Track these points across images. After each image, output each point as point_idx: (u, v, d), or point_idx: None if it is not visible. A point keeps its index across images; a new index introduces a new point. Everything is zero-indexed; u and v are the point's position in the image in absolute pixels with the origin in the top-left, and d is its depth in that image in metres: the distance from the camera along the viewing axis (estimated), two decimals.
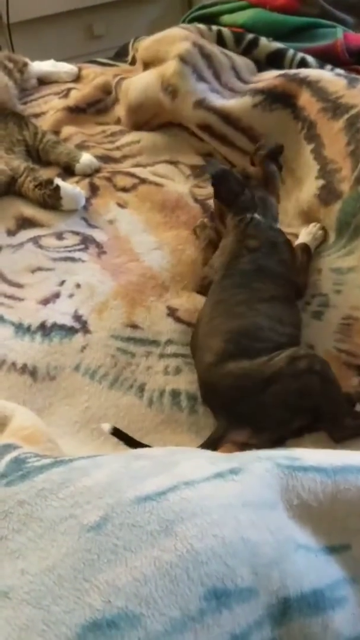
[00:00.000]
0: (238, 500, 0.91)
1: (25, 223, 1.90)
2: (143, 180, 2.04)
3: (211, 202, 1.83)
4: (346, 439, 1.32)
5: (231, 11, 2.42)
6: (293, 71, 2.05)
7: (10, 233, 1.87)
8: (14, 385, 1.47)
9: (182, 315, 1.59)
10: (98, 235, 1.86)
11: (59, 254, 1.78)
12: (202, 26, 2.29)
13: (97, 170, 2.09)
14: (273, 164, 1.72)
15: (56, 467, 0.98)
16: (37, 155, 2.12)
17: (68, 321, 1.58)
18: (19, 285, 1.70)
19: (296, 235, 1.74)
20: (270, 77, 2.07)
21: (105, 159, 2.15)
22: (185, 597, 0.79)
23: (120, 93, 2.33)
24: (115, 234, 1.86)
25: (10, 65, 2.38)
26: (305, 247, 1.67)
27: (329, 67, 2.14)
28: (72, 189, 1.92)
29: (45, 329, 1.56)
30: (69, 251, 1.79)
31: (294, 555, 0.89)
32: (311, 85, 1.94)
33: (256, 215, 1.61)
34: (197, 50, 2.12)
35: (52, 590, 0.80)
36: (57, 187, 1.90)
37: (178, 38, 2.18)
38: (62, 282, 1.69)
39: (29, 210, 1.93)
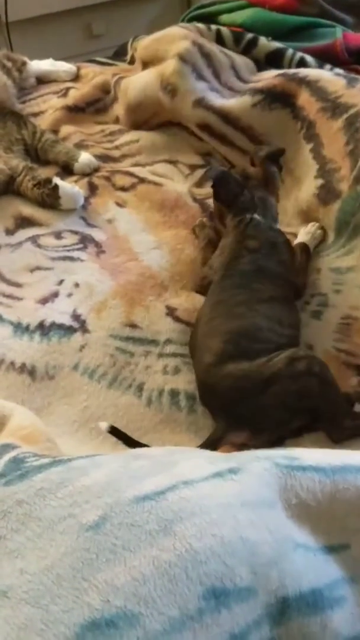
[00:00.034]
0: (237, 500, 0.91)
1: (24, 222, 1.90)
2: (142, 180, 2.04)
3: (210, 201, 1.83)
4: (345, 439, 1.32)
5: (230, 10, 2.42)
6: (292, 71, 2.05)
7: (9, 232, 1.87)
8: (12, 385, 1.47)
9: (181, 315, 1.59)
10: (97, 234, 1.85)
11: (58, 253, 1.78)
12: (201, 25, 2.29)
13: (96, 170, 2.09)
14: (273, 164, 1.71)
15: (55, 466, 0.98)
16: (35, 154, 2.12)
17: (67, 320, 1.58)
18: (18, 285, 1.70)
19: (295, 235, 1.74)
20: (269, 76, 2.07)
21: (104, 158, 2.15)
22: (184, 596, 0.79)
23: (119, 92, 2.32)
24: (114, 233, 1.86)
25: (9, 64, 2.38)
26: (304, 246, 1.67)
27: (328, 66, 2.14)
28: (70, 188, 1.92)
29: (44, 329, 1.56)
30: (68, 250, 1.79)
31: (292, 555, 0.89)
32: (310, 84, 1.94)
33: (256, 216, 1.61)
34: (197, 49, 2.12)
35: (51, 590, 0.80)
36: (56, 186, 1.89)
37: (177, 37, 2.18)
38: (61, 282, 1.69)
39: (28, 210, 1.93)
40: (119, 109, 2.32)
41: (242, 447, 1.26)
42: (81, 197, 1.93)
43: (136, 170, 2.08)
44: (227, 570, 0.82)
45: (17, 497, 0.93)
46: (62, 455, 1.08)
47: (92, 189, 2.01)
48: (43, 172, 1.99)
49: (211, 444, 1.28)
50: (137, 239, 1.83)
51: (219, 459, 1.02)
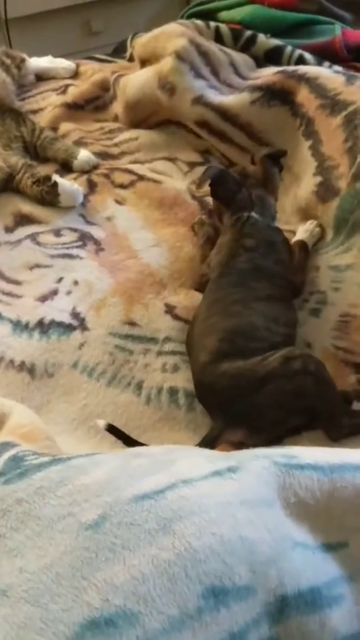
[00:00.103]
0: (236, 499, 0.91)
1: (23, 220, 1.90)
2: (141, 177, 2.04)
3: (209, 198, 1.83)
4: (343, 437, 1.32)
5: (229, 7, 2.42)
6: (291, 68, 2.05)
7: (8, 230, 1.87)
8: (12, 383, 1.47)
9: (180, 313, 1.59)
10: (96, 232, 1.85)
11: (57, 250, 1.78)
12: (199, 22, 2.28)
13: (95, 167, 2.08)
14: (273, 164, 1.71)
15: (54, 465, 0.98)
16: (34, 151, 2.11)
17: (66, 318, 1.58)
18: (17, 282, 1.70)
19: (294, 233, 1.74)
20: (268, 73, 2.06)
21: (103, 155, 2.14)
22: (184, 595, 0.80)
23: (118, 90, 2.32)
24: (113, 230, 1.86)
25: (8, 61, 2.38)
26: (302, 244, 1.67)
27: (327, 63, 2.14)
28: (70, 185, 1.92)
29: (43, 326, 1.56)
30: (67, 248, 1.79)
31: (291, 553, 0.89)
32: (310, 81, 1.94)
33: (253, 214, 1.61)
34: (194, 48, 2.12)
35: (50, 589, 0.80)
36: (55, 184, 1.89)
37: (174, 34, 2.17)
38: (60, 279, 1.69)
39: (27, 207, 1.93)
40: (117, 107, 2.32)
41: (239, 445, 1.26)
42: (80, 195, 1.93)
43: (135, 167, 2.08)
44: (226, 569, 0.83)
45: (17, 495, 0.93)
46: (62, 454, 1.09)
47: (91, 186, 2.01)
48: (42, 170, 2.00)
49: (209, 442, 1.28)
50: (136, 237, 1.83)
51: (218, 458, 1.02)
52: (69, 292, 1.65)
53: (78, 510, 0.88)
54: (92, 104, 2.36)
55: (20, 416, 1.20)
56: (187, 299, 1.62)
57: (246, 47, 2.22)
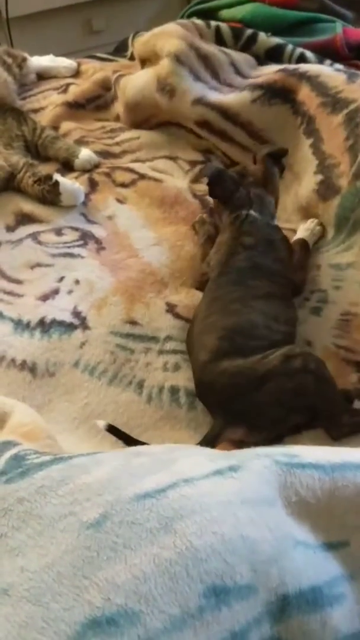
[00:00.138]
0: (237, 498, 0.91)
1: (24, 219, 1.90)
2: (142, 176, 2.04)
3: (210, 197, 1.83)
4: (344, 436, 1.32)
5: (230, 5, 2.42)
6: (292, 66, 2.05)
7: (9, 229, 1.87)
8: (13, 382, 1.47)
9: (181, 312, 1.59)
10: (97, 231, 1.85)
11: (58, 249, 1.78)
12: (200, 22, 2.28)
13: (97, 166, 2.08)
14: (275, 163, 1.71)
15: (56, 464, 0.98)
16: (36, 150, 2.11)
17: (67, 317, 1.58)
18: (18, 282, 1.70)
19: (294, 231, 1.74)
20: (269, 71, 2.06)
21: (104, 154, 2.14)
22: (185, 594, 0.80)
23: (118, 91, 2.32)
24: (114, 229, 1.86)
25: (9, 60, 2.38)
26: (303, 243, 1.67)
27: (328, 62, 2.14)
28: (71, 184, 1.92)
29: (44, 325, 1.56)
30: (68, 247, 1.79)
31: (292, 552, 0.89)
32: (311, 80, 1.93)
33: (251, 212, 1.61)
34: (194, 52, 2.11)
35: (52, 588, 0.80)
36: (56, 183, 1.89)
37: (173, 35, 2.17)
38: (61, 278, 1.69)
39: (28, 206, 1.93)
40: (119, 107, 2.32)
41: (240, 443, 1.26)
42: (82, 194, 1.93)
43: (136, 166, 2.08)
44: (228, 568, 0.83)
45: (18, 494, 0.93)
46: (63, 453, 1.09)
47: (93, 185, 2.01)
48: (43, 169, 2.00)
49: (209, 441, 1.28)
50: (137, 236, 1.83)
51: (219, 457, 1.02)
52: (70, 291, 1.65)
53: (79, 509, 0.88)
54: (93, 103, 2.37)
55: (22, 415, 1.20)
56: (188, 298, 1.62)
57: (247, 46, 2.22)
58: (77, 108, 2.34)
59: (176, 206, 1.91)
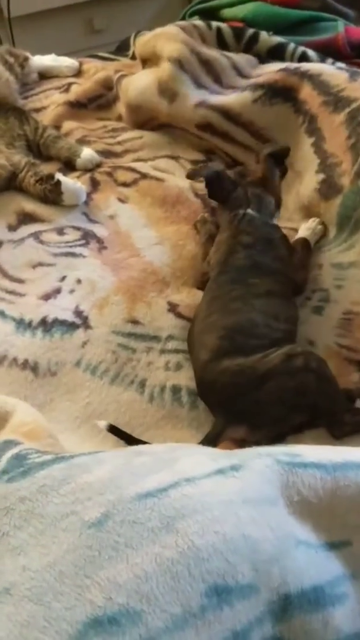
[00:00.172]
0: (239, 497, 0.91)
1: (26, 218, 1.90)
2: (144, 175, 2.03)
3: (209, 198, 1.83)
4: (346, 435, 1.31)
5: (231, 5, 2.42)
6: (294, 65, 2.04)
7: (11, 228, 1.87)
8: (15, 381, 1.47)
9: (183, 311, 1.59)
10: (99, 230, 1.85)
11: (60, 249, 1.78)
12: (201, 23, 2.27)
13: (98, 165, 2.08)
14: (276, 163, 1.70)
15: (57, 463, 0.98)
16: (37, 150, 2.11)
17: (69, 317, 1.58)
18: (20, 281, 1.70)
19: (296, 230, 1.74)
20: (271, 70, 2.06)
21: (106, 153, 2.14)
22: (187, 593, 0.80)
23: (120, 91, 2.32)
24: (115, 229, 1.86)
25: (11, 59, 2.38)
26: (304, 242, 1.67)
27: (330, 60, 2.14)
28: (73, 184, 1.92)
29: (46, 325, 1.56)
30: (70, 246, 1.79)
31: (294, 552, 0.89)
32: (312, 78, 1.93)
33: (250, 211, 1.61)
34: (195, 57, 2.11)
35: (53, 587, 0.80)
36: (58, 182, 1.89)
37: (173, 38, 2.16)
38: (63, 278, 1.69)
39: (30, 206, 1.93)
40: (121, 108, 2.32)
41: (242, 442, 1.26)
42: (83, 193, 1.93)
43: (138, 165, 2.08)
44: (229, 567, 0.83)
45: (20, 494, 0.93)
46: (65, 452, 1.09)
47: (94, 184, 2.01)
48: (45, 168, 2.00)
49: (211, 440, 1.28)
50: (139, 235, 1.83)
51: (221, 456, 1.02)
52: (72, 291, 1.65)
53: (81, 508, 0.88)
54: (95, 103, 2.37)
55: (23, 414, 1.20)
56: (190, 297, 1.62)
57: (249, 45, 2.22)
58: (78, 107, 2.34)
59: (178, 205, 1.91)
